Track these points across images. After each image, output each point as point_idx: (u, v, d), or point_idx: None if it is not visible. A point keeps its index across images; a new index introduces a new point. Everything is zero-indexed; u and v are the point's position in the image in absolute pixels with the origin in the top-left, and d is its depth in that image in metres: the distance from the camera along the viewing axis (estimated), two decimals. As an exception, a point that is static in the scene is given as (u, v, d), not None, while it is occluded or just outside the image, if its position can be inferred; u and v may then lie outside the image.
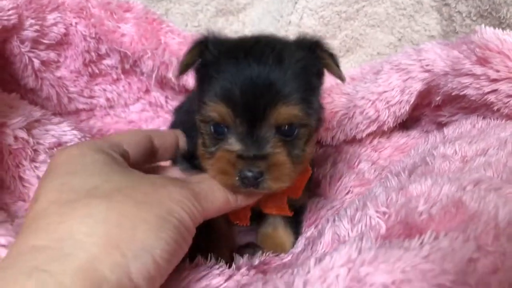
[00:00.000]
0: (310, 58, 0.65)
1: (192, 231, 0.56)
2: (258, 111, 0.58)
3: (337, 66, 0.68)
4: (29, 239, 0.48)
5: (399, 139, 1.08)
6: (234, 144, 0.60)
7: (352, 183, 0.92)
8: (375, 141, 1.08)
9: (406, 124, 1.13)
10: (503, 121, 0.84)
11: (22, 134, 0.84)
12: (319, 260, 0.53)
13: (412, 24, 1.24)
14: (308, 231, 0.77)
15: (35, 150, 0.87)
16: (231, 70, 0.60)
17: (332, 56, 0.67)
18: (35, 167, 0.85)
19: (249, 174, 0.58)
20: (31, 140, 0.87)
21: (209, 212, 0.60)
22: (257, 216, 0.77)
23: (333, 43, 1.31)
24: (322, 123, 0.72)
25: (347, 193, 0.91)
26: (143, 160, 0.70)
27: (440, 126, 1.03)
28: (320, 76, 0.69)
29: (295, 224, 0.81)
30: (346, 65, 1.34)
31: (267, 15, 1.34)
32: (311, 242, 0.69)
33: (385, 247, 0.52)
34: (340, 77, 0.68)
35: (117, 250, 0.47)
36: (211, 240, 0.72)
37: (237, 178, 0.59)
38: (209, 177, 0.63)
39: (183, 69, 0.66)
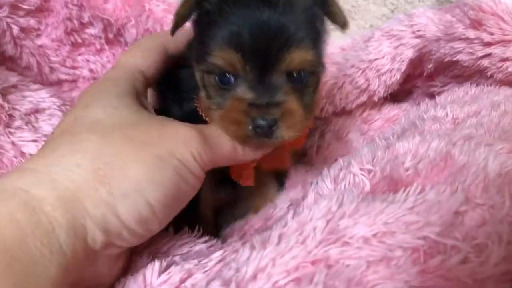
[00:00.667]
0: (318, 5, 0.61)
1: (198, 174, 0.54)
2: (270, 56, 0.55)
3: (342, 14, 0.64)
4: (26, 162, 0.49)
5: (390, 111, 1.05)
6: (245, 92, 0.57)
7: (339, 152, 0.89)
8: (365, 113, 1.04)
9: (397, 97, 1.09)
10: (497, 87, 0.80)
11: (-4, 99, 0.81)
12: (298, 213, 0.50)
13: (405, -5, 1.21)
14: (292, 191, 0.74)
15: (10, 115, 0.84)
16: (238, 13, 0.56)
17: (337, 4, 0.63)
18: (10, 132, 0.82)
19: (263, 122, 0.55)
20: (6, 105, 0.84)
21: (217, 157, 0.57)
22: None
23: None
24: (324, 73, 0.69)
25: (335, 162, 0.88)
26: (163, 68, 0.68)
27: (433, 97, 1.00)
28: (324, 23, 0.65)
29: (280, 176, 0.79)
30: (339, 39, 1.30)
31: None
32: (294, 203, 0.66)
33: (367, 200, 0.49)
34: (345, 24, 0.65)
35: (103, 186, 0.47)
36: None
37: (250, 127, 0.55)
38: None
39: (178, 21, 0.60)
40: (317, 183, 0.64)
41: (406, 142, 0.59)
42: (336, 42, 1.15)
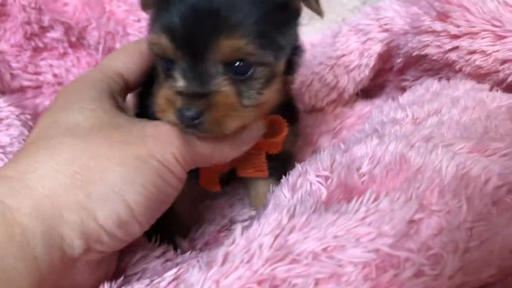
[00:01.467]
0: None
1: (179, 174, 0.53)
2: (200, 43, 0.51)
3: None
4: (1, 169, 0.48)
5: (363, 107, 1.02)
6: (177, 80, 0.53)
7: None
8: (338, 110, 1.02)
9: (370, 93, 1.06)
10: (458, 80, 0.78)
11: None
12: (247, 228, 0.47)
13: (376, -14, 1.18)
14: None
15: None
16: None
17: None
18: None
19: (187, 113, 0.51)
20: None
21: (198, 156, 0.55)
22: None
23: (296, 11, 1.24)
24: (297, 67, 0.66)
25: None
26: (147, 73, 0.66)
27: (405, 91, 0.97)
28: (291, 11, 0.60)
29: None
30: (312, 33, 1.27)
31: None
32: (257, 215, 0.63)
33: (319, 211, 0.46)
34: (319, 12, 0.62)
35: (81, 190, 0.46)
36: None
37: (175, 117, 0.52)
38: None
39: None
40: (274, 191, 0.61)
41: (364, 145, 0.56)
42: (305, 38, 1.12)
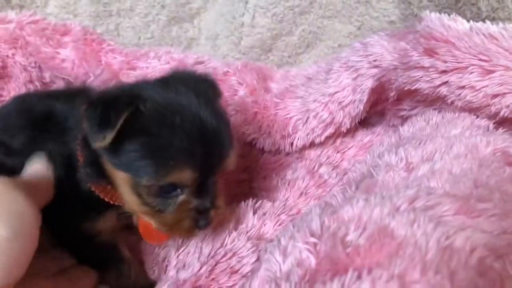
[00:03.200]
0: (216, 93, 0.70)
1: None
2: (217, 167, 0.62)
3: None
4: None
5: (364, 137, 1.02)
6: (189, 200, 0.62)
7: (307, 184, 0.88)
8: (338, 141, 1.02)
9: (371, 120, 1.06)
10: (456, 114, 0.77)
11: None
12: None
13: (370, 10, 1.16)
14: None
15: None
16: (179, 127, 0.57)
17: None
18: None
19: (205, 223, 0.63)
20: None
21: None
22: None
23: (291, 40, 1.24)
24: None
25: (301, 195, 0.87)
26: None
27: (404, 120, 0.97)
28: None
29: None
30: (309, 61, 1.27)
31: (221, 18, 1.28)
32: (251, 276, 0.64)
33: (303, 293, 0.46)
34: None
35: None
36: None
37: (195, 228, 0.63)
38: None
39: (113, 130, 0.55)
40: (268, 252, 0.61)
41: (350, 207, 0.56)
42: (302, 71, 1.12)
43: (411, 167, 0.66)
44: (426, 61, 0.76)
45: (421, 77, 0.78)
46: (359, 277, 0.46)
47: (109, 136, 0.54)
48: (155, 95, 0.59)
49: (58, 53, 1.05)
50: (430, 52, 0.76)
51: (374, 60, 0.85)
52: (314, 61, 1.26)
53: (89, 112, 0.55)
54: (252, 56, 1.26)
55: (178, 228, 0.63)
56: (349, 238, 0.52)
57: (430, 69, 0.76)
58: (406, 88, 0.83)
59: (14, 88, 1.09)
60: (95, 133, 0.55)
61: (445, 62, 0.74)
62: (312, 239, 0.55)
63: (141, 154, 0.57)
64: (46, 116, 0.72)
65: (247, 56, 1.26)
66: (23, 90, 1.09)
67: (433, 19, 0.77)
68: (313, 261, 0.53)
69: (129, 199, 0.63)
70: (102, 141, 0.55)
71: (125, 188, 0.61)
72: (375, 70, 0.87)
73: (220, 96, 0.71)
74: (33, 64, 1.07)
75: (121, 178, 0.60)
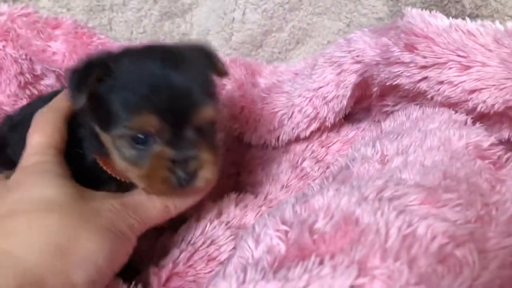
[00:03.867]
0: (206, 59, 0.69)
1: (132, 240, 0.61)
2: (182, 115, 0.61)
3: (223, 66, 0.72)
4: None
5: (349, 132, 1.03)
6: (163, 150, 0.61)
7: (288, 177, 0.89)
8: (324, 136, 1.02)
9: (357, 115, 1.07)
10: (436, 109, 0.78)
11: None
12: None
13: (359, 7, 1.17)
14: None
15: None
16: (145, 77, 0.60)
17: (218, 58, 0.71)
18: None
19: (186, 176, 0.61)
20: None
21: (149, 221, 0.64)
22: None
23: (281, 36, 1.26)
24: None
25: (282, 188, 0.88)
26: None
27: (388, 115, 0.98)
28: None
29: None
30: (299, 57, 1.28)
31: (212, 13, 1.29)
32: (226, 263, 0.65)
33: (267, 278, 0.47)
34: (225, 74, 0.73)
35: (62, 258, 0.51)
36: None
37: (174, 181, 0.61)
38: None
39: (84, 91, 0.60)
40: (242, 239, 0.62)
41: (321, 196, 0.57)
42: (290, 67, 1.13)
43: (386, 159, 0.67)
44: (407, 57, 0.77)
45: (402, 72, 0.79)
46: (321, 262, 0.47)
47: (82, 96, 0.60)
48: (128, 57, 0.63)
49: (49, 46, 1.06)
50: (410, 48, 0.77)
51: (357, 56, 0.86)
52: (304, 57, 1.27)
53: (69, 79, 0.62)
54: (243, 51, 1.27)
55: (155, 181, 0.62)
56: (317, 225, 0.53)
57: (410, 65, 0.77)
58: (388, 84, 0.84)
59: (5, 80, 1.10)
60: (73, 96, 0.61)
61: (425, 57, 0.75)
62: (283, 227, 0.56)
63: (111, 108, 0.61)
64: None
65: (238, 51, 1.28)
66: (14, 82, 1.10)
67: (414, 15, 0.78)
68: (283, 248, 0.54)
69: (114, 159, 0.65)
70: (79, 101, 0.60)
71: (110, 148, 0.64)
72: (358, 66, 0.87)
73: (216, 68, 0.70)
74: (24, 57, 1.08)
75: (105, 139, 0.64)
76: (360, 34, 0.87)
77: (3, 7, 1.09)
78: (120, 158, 0.64)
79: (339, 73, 0.90)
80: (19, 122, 0.87)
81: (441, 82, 0.75)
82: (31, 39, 1.05)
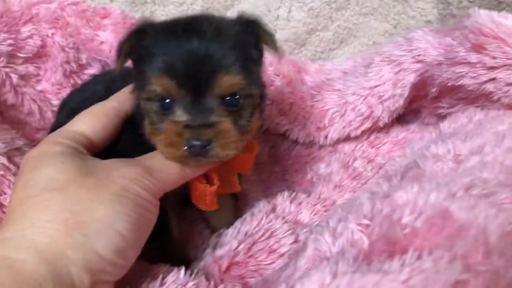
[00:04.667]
0: (248, 33, 0.66)
1: (153, 202, 0.60)
2: (202, 82, 0.59)
3: (273, 41, 0.67)
4: (2, 233, 0.53)
5: (398, 133, 1.02)
6: (180, 116, 0.60)
7: (341, 176, 0.88)
8: (372, 137, 1.02)
9: (405, 117, 1.06)
10: (501, 111, 0.77)
11: (3, 160, 0.81)
12: (291, 287, 0.48)
13: (407, 9, 1.16)
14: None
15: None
16: (171, 44, 0.61)
17: (267, 32, 0.67)
18: None
19: (197, 142, 0.58)
20: (12, 167, 0.84)
21: (167, 184, 0.63)
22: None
23: (326, 35, 1.25)
24: (265, 100, 0.75)
25: (335, 188, 0.87)
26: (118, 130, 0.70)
27: (440, 118, 0.97)
28: (260, 51, 0.69)
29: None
30: (342, 57, 1.28)
31: (255, 10, 1.28)
32: (295, 255, 0.64)
33: (361, 270, 0.47)
34: (277, 51, 0.67)
35: (77, 231, 0.51)
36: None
37: (185, 148, 0.59)
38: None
39: (122, 57, 0.65)
40: (316, 232, 0.62)
41: (404, 192, 0.56)
42: (337, 66, 1.12)
43: (459, 158, 0.66)
44: (473, 57, 0.76)
45: (467, 73, 0.78)
46: (419, 257, 0.46)
47: (122, 58, 0.64)
48: (166, 25, 0.65)
49: (97, 35, 1.05)
50: (478, 48, 0.76)
51: (418, 55, 0.85)
52: (347, 57, 1.26)
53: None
54: (286, 49, 1.26)
55: (168, 146, 0.60)
56: (404, 221, 0.52)
57: (477, 65, 0.76)
58: (449, 84, 0.83)
59: (51, 68, 1.10)
60: (116, 59, 0.65)
61: (494, 58, 0.74)
62: (365, 221, 0.55)
63: (143, 71, 0.62)
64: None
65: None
66: (59, 70, 1.10)
67: (482, 16, 0.77)
68: (366, 241, 0.53)
69: (145, 122, 0.65)
70: (119, 63, 0.65)
71: (143, 110, 0.65)
72: (418, 65, 0.86)
73: (262, 40, 0.67)
74: (71, 45, 1.07)
75: (141, 103, 0.65)
76: (422, 33, 0.87)
77: (53, -6, 1.09)
78: (147, 122, 0.64)
79: (397, 72, 0.89)
80: (77, 108, 0.87)
81: (511, 84, 0.74)
82: (80, 27, 1.05)
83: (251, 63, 0.65)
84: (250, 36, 0.66)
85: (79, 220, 0.52)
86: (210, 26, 0.62)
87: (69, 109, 0.91)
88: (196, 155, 0.59)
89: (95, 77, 1.02)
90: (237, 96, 0.62)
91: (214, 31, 0.61)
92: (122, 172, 0.59)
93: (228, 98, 0.61)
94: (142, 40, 0.63)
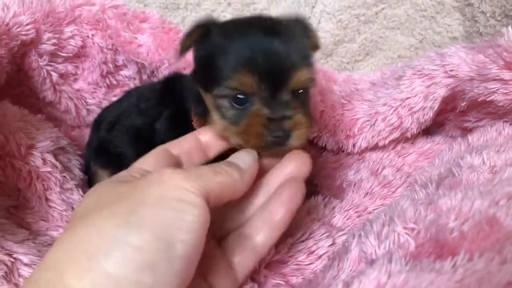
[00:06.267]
0: (305, 34, 0.72)
1: (197, 202, 0.49)
2: (280, 77, 0.63)
3: (319, 41, 0.76)
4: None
5: (424, 144, 1.05)
6: (261, 109, 0.64)
7: (371, 184, 0.91)
8: (399, 147, 1.05)
9: (430, 129, 1.09)
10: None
11: (50, 157, 0.86)
12: (347, 285, 0.51)
13: (433, 25, 1.21)
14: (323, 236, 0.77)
15: (64, 176, 0.89)
16: (248, 42, 0.64)
17: (315, 31, 0.75)
18: (63, 189, 0.88)
19: (281, 133, 0.63)
20: (59, 165, 0.88)
21: (212, 189, 0.52)
22: None
23: (352, 47, 1.29)
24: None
25: (366, 195, 0.90)
26: None
27: (465, 131, 1.00)
28: (313, 49, 0.76)
29: None
30: (366, 69, 1.32)
31: (285, 20, 1.32)
32: (338, 257, 0.67)
33: (415, 270, 0.50)
34: (316, 47, 0.76)
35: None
36: None
37: (269, 138, 0.63)
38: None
39: (184, 49, 0.69)
40: (360, 236, 0.65)
41: (448, 199, 0.60)
42: (365, 77, 1.16)
43: (494, 169, 0.69)
44: (507, 74, 0.80)
45: (499, 89, 0.82)
46: (470, 259, 0.49)
47: (182, 49, 0.69)
48: (232, 23, 0.70)
49: (136, 38, 1.09)
50: (511, 66, 0.80)
51: (451, 70, 0.89)
52: (371, 69, 1.30)
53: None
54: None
55: (251, 136, 0.64)
56: (450, 225, 0.55)
57: (510, 82, 0.80)
58: (480, 99, 0.86)
59: (89, 67, 1.14)
60: (179, 51, 0.69)
61: (527, 76, 0.78)
62: (411, 225, 0.59)
63: (215, 69, 0.65)
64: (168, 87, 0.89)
65: (308, 59, 1.31)
66: (97, 70, 1.14)
67: (516, 35, 0.81)
68: (412, 244, 0.56)
69: (214, 119, 0.68)
70: (181, 55, 0.69)
71: (211, 108, 0.69)
72: (450, 80, 0.90)
73: (310, 37, 0.73)
74: (110, 46, 1.12)
75: (208, 100, 0.69)
76: (455, 49, 0.90)
77: (95, -3, 1.13)
78: (220, 117, 0.67)
79: (429, 86, 0.93)
80: (115, 122, 0.96)
81: (541, 101, 0.77)
82: (120, 30, 1.09)
83: (310, 61, 0.69)
84: (305, 35, 0.72)
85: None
86: (280, 26, 0.67)
87: (108, 124, 0.97)
88: (277, 144, 0.64)
89: (127, 92, 1.08)
90: (302, 91, 0.66)
91: (285, 29, 0.66)
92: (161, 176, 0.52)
93: (298, 92, 0.66)
94: (208, 37, 0.67)
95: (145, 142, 0.83)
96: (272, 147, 0.64)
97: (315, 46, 0.76)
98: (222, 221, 0.65)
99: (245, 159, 0.62)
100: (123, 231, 0.43)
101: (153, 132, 0.84)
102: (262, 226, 0.61)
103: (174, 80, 0.90)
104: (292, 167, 0.66)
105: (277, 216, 0.61)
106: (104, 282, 0.40)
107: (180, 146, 0.67)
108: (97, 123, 1.04)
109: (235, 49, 0.64)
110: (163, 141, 0.74)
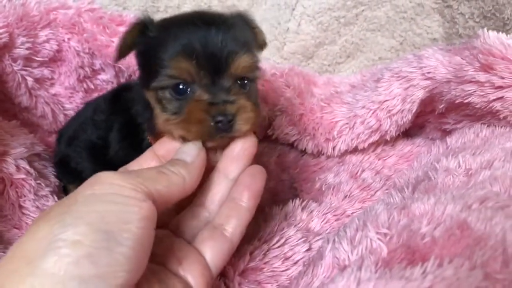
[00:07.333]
0: (247, 26, 0.72)
1: (140, 200, 0.49)
2: (220, 62, 0.62)
3: (264, 38, 0.76)
4: None
5: (404, 147, 1.06)
6: (201, 95, 0.62)
7: (350, 187, 0.90)
8: (379, 149, 1.05)
9: (410, 131, 1.09)
10: (507, 129, 0.80)
11: (24, 164, 0.84)
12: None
13: (413, 27, 1.20)
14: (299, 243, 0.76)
15: (38, 183, 0.87)
16: (186, 31, 0.63)
17: (259, 28, 0.75)
18: (37, 196, 0.86)
19: (223, 118, 0.61)
20: (33, 171, 0.86)
21: (160, 191, 0.53)
22: None
23: (333, 49, 1.28)
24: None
25: (345, 198, 0.90)
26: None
27: (445, 133, 1.00)
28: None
29: None
30: (348, 71, 1.31)
31: (265, 22, 1.31)
32: (312, 263, 0.66)
33: (385, 277, 0.49)
34: (263, 45, 0.76)
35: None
36: None
37: (212, 123, 0.61)
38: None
39: (124, 48, 0.68)
40: (333, 242, 0.64)
41: (421, 204, 0.59)
42: (345, 79, 1.15)
43: (470, 173, 0.69)
44: (482, 76, 0.80)
45: (475, 91, 0.82)
46: (440, 265, 0.49)
47: (120, 49, 0.67)
48: (171, 18, 0.69)
49: (113, 41, 1.07)
50: (486, 68, 0.80)
51: (428, 72, 0.89)
52: (353, 71, 1.30)
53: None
54: (293, 61, 1.30)
55: (193, 124, 0.62)
56: (422, 231, 0.55)
57: (486, 84, 0.80)
58: (457, 101, 0.86)
59: (66, 72, 1.12)
60: (116, 51, 0.68)
61: (502, 78, 0.77)
62: (384, 230, 0.58)
63: (152, 61, 0.64)
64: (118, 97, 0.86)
65: (289, 61, 1.30)
66: (74, 75, 1.12)
67: (492, 37, 0.81)
68: (385, 249, 0.55)
69: (156, 114, 0.66)
70: (118, 56, 0.68)
71: (153, 104, 0.66)
72: (427, 82, 0.90)
73: (254, 33, 0.73)
74: (86, 50, 1.09)
75: (150, 98, 0.67)
76: (432, 52, 0.90)
77: (70, 0, 1.11)
78: (161, 110, 0.65)
79: (406, 88, 0.92)
80: (73, 137, 0.95)
81: (517, 103, 0.77)
82: (96, 33, 1.07)
83: (254, 51, 0.68)
84: (248, 30, 0.71)
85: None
86: (219, 17, 0.66)
87: (67, 138, 0.96)
88: (221, 130, 0.61)
89: (86, 103, 1.06)
90: (246, 81, 0.66)
91: (224, 20, 0.65)
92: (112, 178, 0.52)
93: (240, 80, 0.65)
94: (147, 32, 0.66)
95: (102, 158, 0.83)
96: (217, 135, 0.62)
97: (262, 43, 0.75)
98: (190, 219, 0.63)
99: (189, 151, 0.61)
100: (57, 231, 0.43)
101: (108, 147, 0.83)
102: (229, 214, 0.61)
103: (123, 89, 0.89)
104: (239, 146, 0.64)
105: (242, 201, 0.61)
106: (46, 282, 0.40)
107: (139, 164, 0.65)
108: (59, 136, 1.03)
109: (173, 38, 0.63)
110: (117, 153, 0.73)
